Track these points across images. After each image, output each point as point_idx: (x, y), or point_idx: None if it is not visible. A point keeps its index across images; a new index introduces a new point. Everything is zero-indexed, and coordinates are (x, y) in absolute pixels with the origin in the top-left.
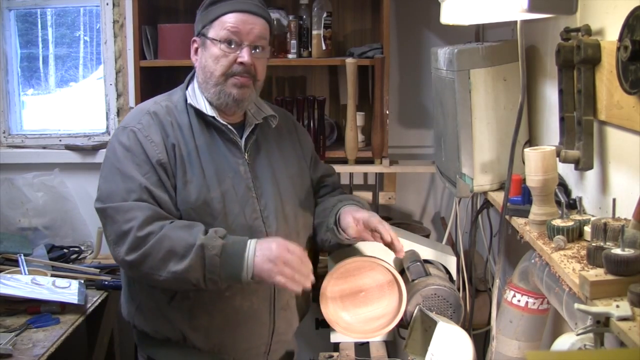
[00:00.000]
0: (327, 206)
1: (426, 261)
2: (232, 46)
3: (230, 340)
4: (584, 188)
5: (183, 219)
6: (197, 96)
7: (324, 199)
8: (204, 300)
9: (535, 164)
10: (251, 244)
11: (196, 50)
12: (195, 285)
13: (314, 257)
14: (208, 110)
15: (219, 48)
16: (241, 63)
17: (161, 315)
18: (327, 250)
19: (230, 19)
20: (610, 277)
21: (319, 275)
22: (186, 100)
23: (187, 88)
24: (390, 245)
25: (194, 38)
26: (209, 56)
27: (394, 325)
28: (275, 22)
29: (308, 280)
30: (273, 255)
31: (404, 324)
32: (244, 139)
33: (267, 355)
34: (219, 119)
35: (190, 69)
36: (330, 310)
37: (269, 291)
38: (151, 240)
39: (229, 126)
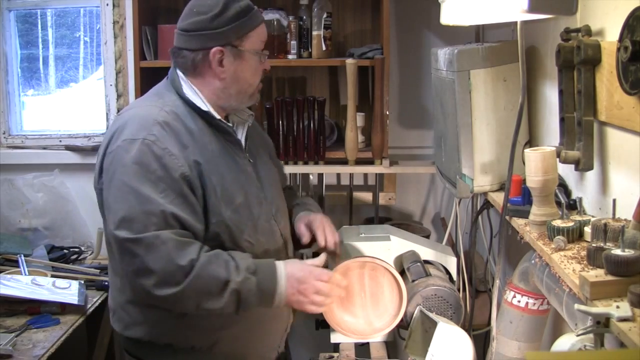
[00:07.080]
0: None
1: (426, 262)
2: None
3: (255, 342)
4: (584, 189)
5: (211, 233)
6: (197, 100)
7: None
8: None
9: (535, 164)
10: (281, 275)
11: (220, 61)
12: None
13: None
14: (212, 110)
15: (259, 59)
16: (265, 70)
17: (184, 325)
18: None
19: (262, 30)
20: (610, 277)
21: None
22: (188, 104)
23: (180, 92)
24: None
25: (219, 49)
26: (248, 68)
27: (406, 300)
28: (275, 22)
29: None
30: (302, 287)
31: (404, 324)
32: (243, 138)
33: (279, 348)
34: (222, 119)
35: None
36: (354, 332)
37: None
38: (184, 281)
39: (232, 127)
